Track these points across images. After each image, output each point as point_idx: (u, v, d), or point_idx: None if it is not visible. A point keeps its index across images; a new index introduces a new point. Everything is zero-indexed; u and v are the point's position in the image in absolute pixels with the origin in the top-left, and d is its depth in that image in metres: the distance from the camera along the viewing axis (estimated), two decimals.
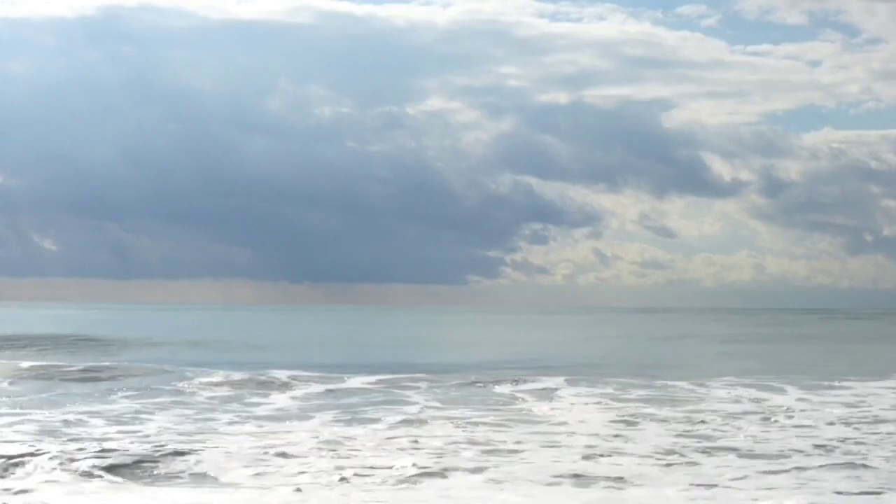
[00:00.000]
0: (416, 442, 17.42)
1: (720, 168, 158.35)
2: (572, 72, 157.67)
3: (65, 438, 17.34)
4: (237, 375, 30.12)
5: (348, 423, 20.30)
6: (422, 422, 20.45)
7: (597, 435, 18.57)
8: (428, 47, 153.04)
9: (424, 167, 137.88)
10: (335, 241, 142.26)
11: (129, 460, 15.28)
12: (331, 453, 16.21)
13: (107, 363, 35.34)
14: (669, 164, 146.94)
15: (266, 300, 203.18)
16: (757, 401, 24.76)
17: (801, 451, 16.78)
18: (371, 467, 15.01)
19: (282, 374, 30.28)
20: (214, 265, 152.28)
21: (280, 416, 21.42)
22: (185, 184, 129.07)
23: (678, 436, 18.53)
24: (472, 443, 17.43)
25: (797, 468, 15.24)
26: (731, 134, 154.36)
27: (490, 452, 16.44)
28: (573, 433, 18.78)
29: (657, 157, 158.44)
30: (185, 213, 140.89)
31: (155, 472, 14.66)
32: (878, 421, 20.90)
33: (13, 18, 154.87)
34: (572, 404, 24.02)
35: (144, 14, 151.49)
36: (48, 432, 18.17)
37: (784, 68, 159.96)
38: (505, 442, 17.56)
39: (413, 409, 22.88)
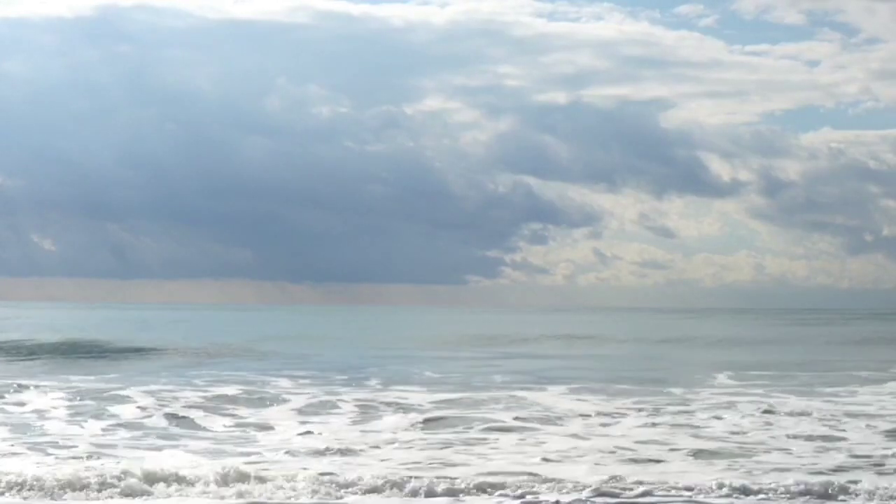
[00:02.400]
0: None
1: (719, 168, 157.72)
2: (570, 71, 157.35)
3: None
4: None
5: None
6: None
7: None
8: (425, 47, 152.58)
9: (423, 167, 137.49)
10: (335, 241, 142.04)
11: None
12: None
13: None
14: (668, 164, 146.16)
15: (266, 300, 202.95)
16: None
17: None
18: None
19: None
20: (214, 265, 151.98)
21: None
22: (185, 184, 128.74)
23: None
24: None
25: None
26: (730, 134, 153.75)
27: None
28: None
29: (656, 157, 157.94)
30: (184, 214, 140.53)
31: None
32: None
33: (11, 18, 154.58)
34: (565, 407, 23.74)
35: (142, 14, 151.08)
36: None
37: (782, 68, 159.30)
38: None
39: None
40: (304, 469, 14.63)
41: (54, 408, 22.04)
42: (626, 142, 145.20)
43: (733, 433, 18.87)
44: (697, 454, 16.56)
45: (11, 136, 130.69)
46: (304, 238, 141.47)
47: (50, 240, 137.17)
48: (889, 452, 16.62)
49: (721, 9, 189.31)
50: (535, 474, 14.47)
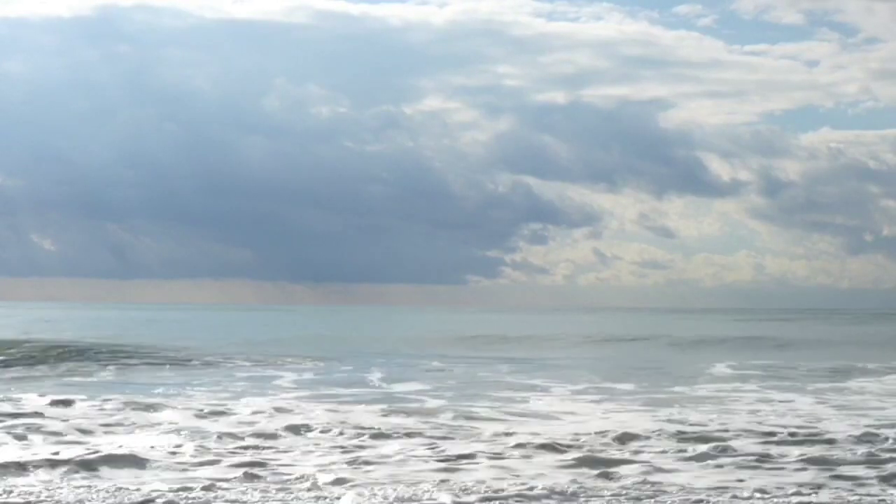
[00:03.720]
0: None
1: (719, 168, 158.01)
2: (570, 71, 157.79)
3: None
4: None
5: None
6: None
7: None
8: (424, 47, 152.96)
9: (423, 167, 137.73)
10: (334, 241, 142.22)
11: None
12: None
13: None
14: (668, 164, 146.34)
15: (266, 300, 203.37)
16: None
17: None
18: None
19: None
20: (214, 265, 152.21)
21: None
22: (184, 184, 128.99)
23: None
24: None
25: None
26: (730, 134, 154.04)
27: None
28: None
29: (656, 157, 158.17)
30: (184, 214, 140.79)
31: None
32: None
33: (10, 18, 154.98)
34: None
35: (141, 14, 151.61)
36: None
37: (782, 68, 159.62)
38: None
39: None
40: None
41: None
42: (626, 142, 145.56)
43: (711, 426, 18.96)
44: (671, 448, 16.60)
45: (11, 136, 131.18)
46: (304, 238, 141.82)
47: (49, 240, 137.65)
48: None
49: (720, 9, 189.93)
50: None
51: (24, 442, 16.53)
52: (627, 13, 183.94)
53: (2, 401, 21.83)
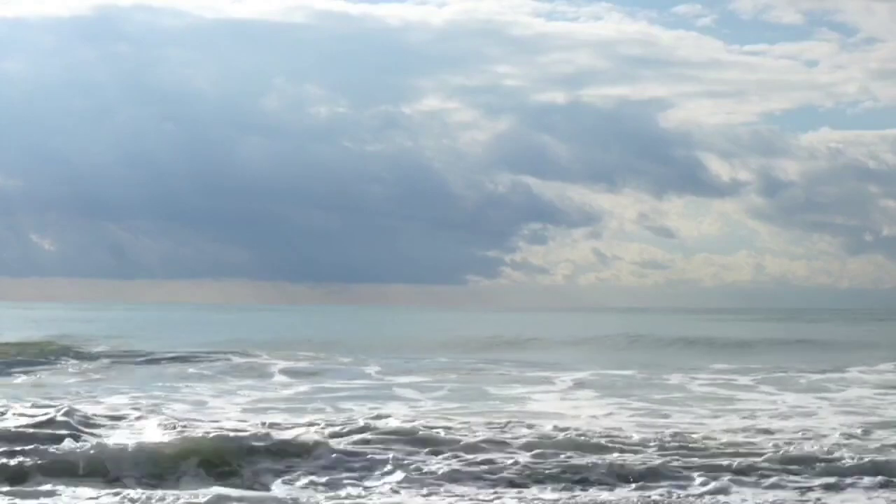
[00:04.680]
0: None
1: (718, 168, 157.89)
2: (569, 71, 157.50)
3: None
4: None
5: None
6: None
7: None
8: (424, 47, 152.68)
9: (422, 167, 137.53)
10: (334, 241, 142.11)
11: None
12: None
13: None
14: (668, 164, 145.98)
15: (266, 300, 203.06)
16: None
17: None
18: None
19: None
20: (214, 265, 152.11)
21: None
22: (183, 184, 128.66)
23: None
24: None
25: None
26: (729, 134, 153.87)
27: None
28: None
29: (655, 157, 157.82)
30: (183, 213, 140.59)
31: None
32: None
33: (9, 18, 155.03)
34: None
35: (140, 13, 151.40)
36: None
37: (781, 68, 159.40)
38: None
39: None
40: None
41: None
42: (626, 142, 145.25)
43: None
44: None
45: (10, 136, 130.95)
46: (304, 238, 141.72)
47: (49, 240, 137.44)
48: None
49: (719, 9, 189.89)
50: None
51: None
52: (626, 13, 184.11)
53: None
